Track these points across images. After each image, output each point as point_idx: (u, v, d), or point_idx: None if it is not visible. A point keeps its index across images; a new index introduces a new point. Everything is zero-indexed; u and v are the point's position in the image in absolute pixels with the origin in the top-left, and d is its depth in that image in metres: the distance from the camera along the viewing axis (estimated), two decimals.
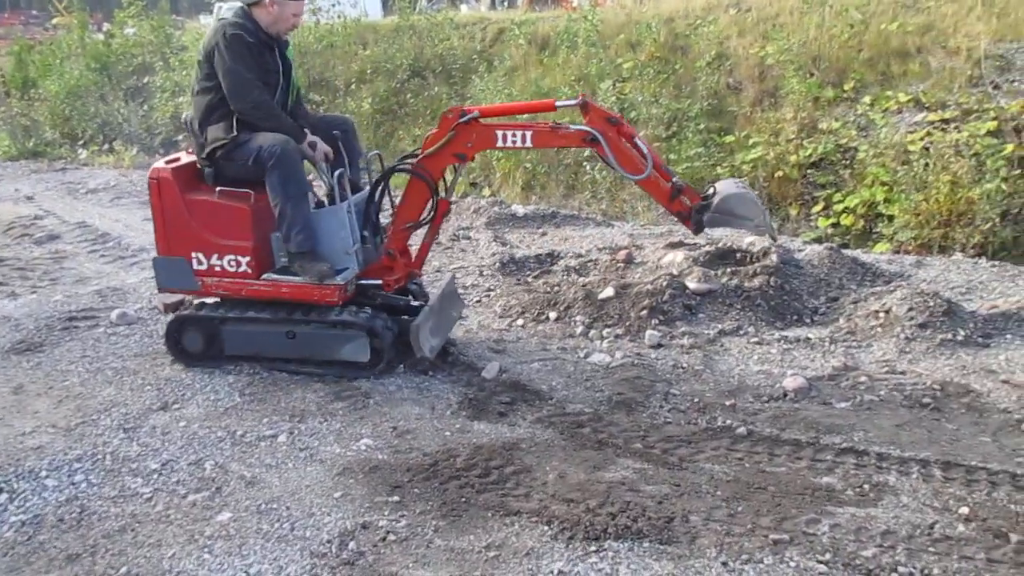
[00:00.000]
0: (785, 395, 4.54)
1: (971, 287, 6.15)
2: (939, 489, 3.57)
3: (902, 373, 4.76)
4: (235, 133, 4.60)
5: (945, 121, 8.45)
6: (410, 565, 3.13)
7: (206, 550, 3.25)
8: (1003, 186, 7.35)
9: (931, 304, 5.36)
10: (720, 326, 5.47)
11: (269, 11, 4.65)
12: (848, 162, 8.71)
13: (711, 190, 4.55)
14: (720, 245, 6.62)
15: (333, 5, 14.72)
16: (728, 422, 4.23)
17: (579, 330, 5.47)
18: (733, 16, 11.56)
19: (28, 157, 13.95)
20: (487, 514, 3.45)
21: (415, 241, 5.07)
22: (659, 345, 5.23)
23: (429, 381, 4.79)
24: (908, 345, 5.10)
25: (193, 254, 4.76)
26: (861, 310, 5.54)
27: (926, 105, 8.79)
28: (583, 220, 8.65)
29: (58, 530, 3.42)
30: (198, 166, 4.84)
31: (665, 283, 5.70)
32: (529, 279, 6.51)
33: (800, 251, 6.58)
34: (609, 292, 5.71)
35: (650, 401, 4.49)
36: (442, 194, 4.86)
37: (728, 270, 5.99)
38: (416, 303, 5.10)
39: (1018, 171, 7.60)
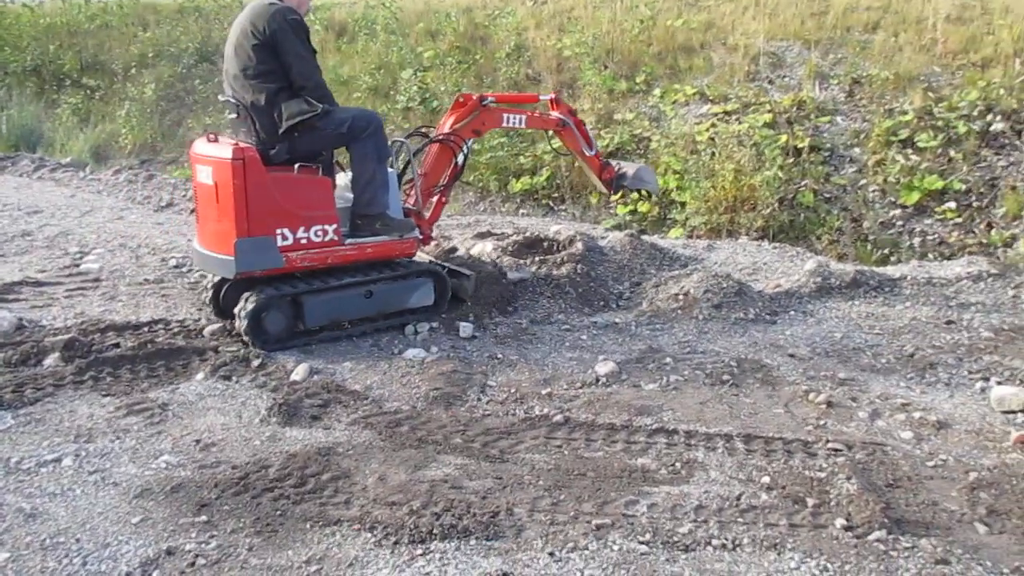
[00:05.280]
0: (598, 380, 4.64)
1: (756, 268, 6.61)
2: (743, 461, 3.78)
3: (702, 352, 5.02)
4: (319, 106, 4.81)
5: (727, 113, 9.05)
6: None
7: None
8: (780, 174, 7.97)
9: (724, 286, 5.70)
10: (532, 315, 5.53)
11: None
12: (643, 152, 9.12)
13: (618, 166, 6.23)
14: (527, 235, 6.70)
15: None
16: (545, 410, 4.27)
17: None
18: (530, 8, 11.78)
19: None
20: (305, 526, 3.26)
21: None
22: (473, 336, 5.21)
23: (233, 387, 4.49)
24: (706, 325, 5.40)
25: (278, 231, 4.78)
26: (662, 293, 5.79)
27: (710, 98, 9.36)
28: None
29: None
30: (258, 147, 4.84)
31: None
32: None
33: (603, 238, 6.80)
34: None
35: (468, 394, 4.45)
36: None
37: (537, 259, 6.07)
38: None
39: (791, 160, 8.27)
